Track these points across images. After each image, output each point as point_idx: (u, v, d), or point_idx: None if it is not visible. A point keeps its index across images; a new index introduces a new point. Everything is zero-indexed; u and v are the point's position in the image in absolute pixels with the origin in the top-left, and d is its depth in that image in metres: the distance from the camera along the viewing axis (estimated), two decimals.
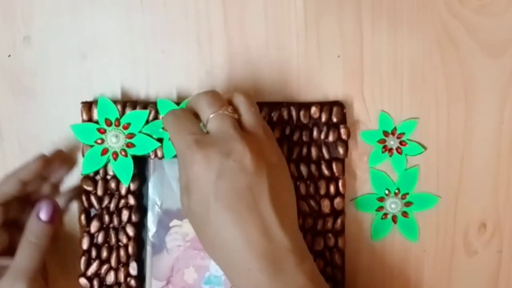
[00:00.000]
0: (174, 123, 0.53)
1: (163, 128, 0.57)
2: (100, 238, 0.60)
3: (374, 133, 0.60)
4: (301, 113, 0.59)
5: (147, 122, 0.59)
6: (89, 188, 0.60)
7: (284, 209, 0.50)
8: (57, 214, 0.57)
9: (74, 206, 0.62)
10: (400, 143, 0.60)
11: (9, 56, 0.62)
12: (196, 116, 0.53)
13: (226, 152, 0.49)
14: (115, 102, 0.59)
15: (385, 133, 0.60)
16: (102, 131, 0.59)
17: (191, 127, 0.51)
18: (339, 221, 0.60)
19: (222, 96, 0.53)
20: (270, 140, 0.53)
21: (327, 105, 0.59)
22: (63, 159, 0.61)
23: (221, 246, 0.50)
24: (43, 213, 0.56)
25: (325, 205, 0.59)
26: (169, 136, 0.54)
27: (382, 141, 0.60)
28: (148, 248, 0.61)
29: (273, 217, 0.49)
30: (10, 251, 0.56)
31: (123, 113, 0.59)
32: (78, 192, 0.61)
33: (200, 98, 0.53)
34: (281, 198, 0.50)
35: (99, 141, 0.59)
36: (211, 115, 0.51)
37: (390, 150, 0.60)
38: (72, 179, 0.62)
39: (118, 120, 0.59)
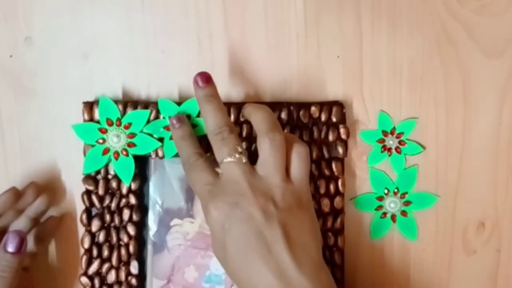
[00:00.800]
0: (192, 174, 0.55)
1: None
2: (101, 237, 0.60)
3: (373, 133, 0.61)
4: (301, 113, 0.59)
5: (148, 121, 0.59)
6: (91, 188, 0.60)
7: (303, 250, 0.51)
8: (24, 245, 0.55)
9: (75, 207, 0.62)
10: (399, 142, 0.61)
11: (11, 56, 0.62)
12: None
13: (234, 202, 0.51)
14: (116, 102, 0.59)
15: (384, 133, 0.60)
16: (103, 131, 0.59)
17: (205, 177, 0.54)
18: (338, 220, 0.60)
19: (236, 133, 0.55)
20: (291, 184, 0.53)
21: (326, 105, 0.59)
22: (36, 191, 0.59)
23: (241, 286, 0.52)
24: (10, 244, 0.54)
25: (325, 204, 0.60)
26: (190, 184, 0.56)
27: (381, 141, 0.61)
28: (149, 247, 0.61)
29: (288, 259, 0.50)
30: None
31: (124, 113, 0.59)
32: (54, 224, 0.61)
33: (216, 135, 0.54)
34: (299, 239, 0.51)
35: (101, 140, 0.59)
36: (224, 160, 0.53)
37: (389, 149, 0.61)
38: (72, 179, 0.62)
39: (119, 120, 0.59)
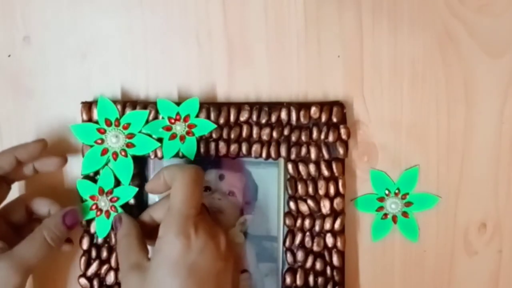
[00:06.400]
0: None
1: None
2: (100, 239, 0.60)
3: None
4: (301, 113, 0.59)
5: (147, 122, 0.59)
6: None
7: None
8: (77, 224, 0.58)
9: None
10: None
11: (9, 56, 0.62)
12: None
13: None
14: (115, 102, 0.59)
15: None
16: (102, 131, 0.59)
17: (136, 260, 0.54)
18: (338, 221, 0.60)
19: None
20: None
21: (327, 105, 0.59)
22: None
23: None
24: (69, 218, 0.57)
25: (325, 205, 0.59)
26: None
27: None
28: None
29: None
30: None
31: (123, 113, 0.59)
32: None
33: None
34: None
35: (99, 141, 0.59)
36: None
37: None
38: (71, 179, 0.62)
39: (118, 120, 0.59)
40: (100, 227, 0.60)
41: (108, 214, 0.59)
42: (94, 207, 0.59)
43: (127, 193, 0.59)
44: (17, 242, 0.55)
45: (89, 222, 0.60)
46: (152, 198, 0.61)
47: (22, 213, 0.59)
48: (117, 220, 0.58)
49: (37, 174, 0.59)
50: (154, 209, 0.57)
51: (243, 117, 0.59)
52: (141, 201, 0.61)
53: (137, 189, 0.59)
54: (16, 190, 0.61)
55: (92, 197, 0.59)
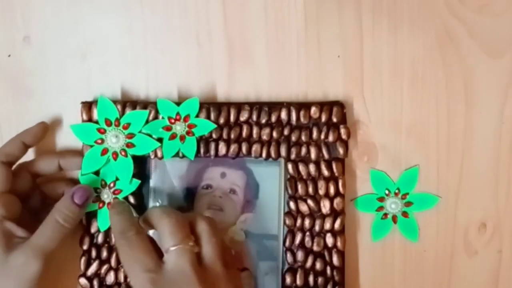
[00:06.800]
0: (128, 252, 0.53)
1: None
2: (100, 238, 0.60)
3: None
4: (301, 113, 0.59)
5: (147, 122, 0.59)
6: None
7: None
8: (89, 200, 0.58)
9: None
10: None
11: (9, 56, 0.62)
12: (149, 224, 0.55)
13: None
14: (115, 102, 0.59)
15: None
16: (102, 131, 0.59)
17: (146, 261, 0.51)
18: (338, 221, 0.60)
19: (186, 222, 0.53)
20: (228, 273, 0.53)
21: (327, 105, 0.59)
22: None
23: None
24: (78, 196, 0.57)
25: (325, 205, 0.59)
26: (122, 263, 0.54)
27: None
28: None
29: None
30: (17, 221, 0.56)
31: (123, 113, 0.59)
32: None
33: (163, 222, 0.53)
34: None
35: (99, 141, 0.59)
36: (172, 248, 0.51)
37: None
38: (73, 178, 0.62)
39: (118, 120, 0.59)
40: (102, 220, 0.60)
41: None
42: (96, 199, 0.60)
43: (130, 185, 0.59)
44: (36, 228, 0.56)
45: (89, 222, 0.60)
46: (153, 198, 0.61)
47: (28, 179, 0.59)
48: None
49: (61, 171, 0.60)
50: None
51: (243, 117, 0.59)
52: (141, 202, 0.61)
53: (139, 181, 0.59)
54: None
55: (95, 190, 0.59)
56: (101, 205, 0.60)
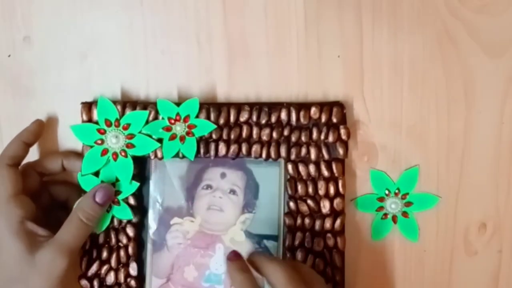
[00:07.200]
0: None
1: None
2: (100, 239, 0.60)
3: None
4: (301, 113, 0.59)
5: (147, 122, 0.59)
6: None
7: None
8: (110, 199, 0.59)
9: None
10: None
11: (9, 56, 0.62)
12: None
13: None
14: (115, 102, 0.59)
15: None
16: (102, 132, 0.59)
17: None
18: (338, 221, 0.60)
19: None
20: None
21: (327, 106, 0.59)
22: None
23: None
24: (100, 195, 0.57)
25: (325, 205, 0.59)
26: None
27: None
28: (149, 246, 0.61)
29: None
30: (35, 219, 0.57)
31: (123, 113, 0.59)
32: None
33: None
34: None
35: (99, 141, 0.59)
36: None
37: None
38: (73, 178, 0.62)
39: (118, 120, 0.59)
40: (100, 221, 0.60)
41: (109, 207, 0.59)
42: None
43: (129, 187, 0.59)
44: (48, 226, 0.57)
45: None
46: (153, 196, 0.61)
47: (36, 178, 0.60)
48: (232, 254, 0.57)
49: (64, 172, 0.61)
50: None
51: (243, 117, 0.59)
52: (140, 202, 0.61)
53: (138, 184, 0.59)
54: None
55: None
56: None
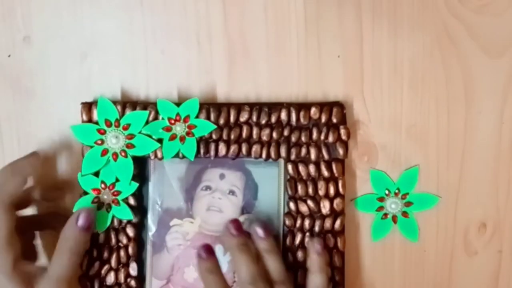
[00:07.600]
0: None
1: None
2: (100, 239, 0.60)
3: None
4: (301, 113, 0.59)
5: (147, 122, 0.59)
6: None
7: None
8: (93, 223, 0.58)
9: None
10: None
11: (9, 56, 0.62)
12: None
13: None
14: (115, 102, 0.59)
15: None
16: (102, 132, 0.59)
17: None
18: (338, 221, 0.60)
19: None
20: None
21: (327, 106, 0.59)
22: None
23: None
24: (82, 220, 0.57)
25: (325, 206, 0.59)
26: None
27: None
28: (148, 247, 0.61)
29: None
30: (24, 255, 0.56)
31: (123, 113, 0.59)
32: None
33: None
34: None
35: (99, 142, 0.59)
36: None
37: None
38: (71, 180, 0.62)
39: (118, 120, 0.59)
40: (100, 221, 0.60)
41: (109, 207, 0.59)
42: (96, 200, 0.60)
43: (129, 187, 0.59)
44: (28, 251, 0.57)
45: None
46: (152, 198, 0.61)
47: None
48: (204, 250, 0.58)
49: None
50: None
51: (243, 117, 0.59)
52: (140, 202, 0.61)
53: (137, 184, 0.59)
54: None
55: (94, 190, 0.59)
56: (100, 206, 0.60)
